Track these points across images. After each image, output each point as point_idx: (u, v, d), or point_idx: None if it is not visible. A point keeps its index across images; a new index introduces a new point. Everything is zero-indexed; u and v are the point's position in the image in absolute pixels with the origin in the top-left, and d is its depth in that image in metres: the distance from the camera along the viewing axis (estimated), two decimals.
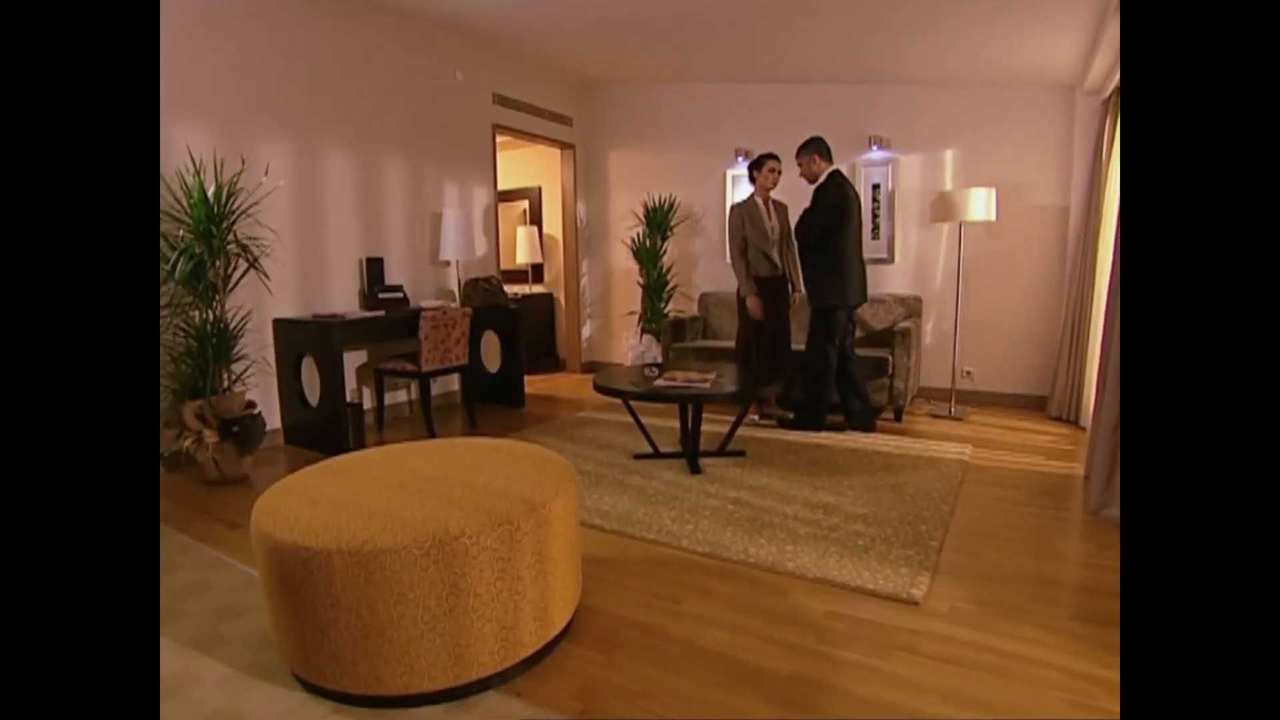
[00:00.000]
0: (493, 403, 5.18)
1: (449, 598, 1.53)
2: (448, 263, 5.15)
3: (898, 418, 4.65)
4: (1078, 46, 3.96)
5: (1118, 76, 3.96)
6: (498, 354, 5.33)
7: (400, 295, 4.60)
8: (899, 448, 3.94)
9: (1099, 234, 4.23)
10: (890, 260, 5.41)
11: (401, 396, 4.88)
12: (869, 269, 5.51)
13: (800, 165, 4.26)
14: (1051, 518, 2.92)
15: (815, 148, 4.19)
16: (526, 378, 5.40)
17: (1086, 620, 2.04)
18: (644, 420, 3.76)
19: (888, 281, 5.43)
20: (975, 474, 3.47)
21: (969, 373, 5.09)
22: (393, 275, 4.74)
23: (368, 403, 4.56)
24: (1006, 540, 2.66)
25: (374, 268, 4.54)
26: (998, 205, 4.71)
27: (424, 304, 4.59)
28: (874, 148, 5.31)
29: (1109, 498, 2.89)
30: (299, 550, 1.50)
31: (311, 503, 1.67)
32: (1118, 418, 2.87)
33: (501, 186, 5.91)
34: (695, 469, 3.43)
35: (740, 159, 5.77)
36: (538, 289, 7.15)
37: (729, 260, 4.65)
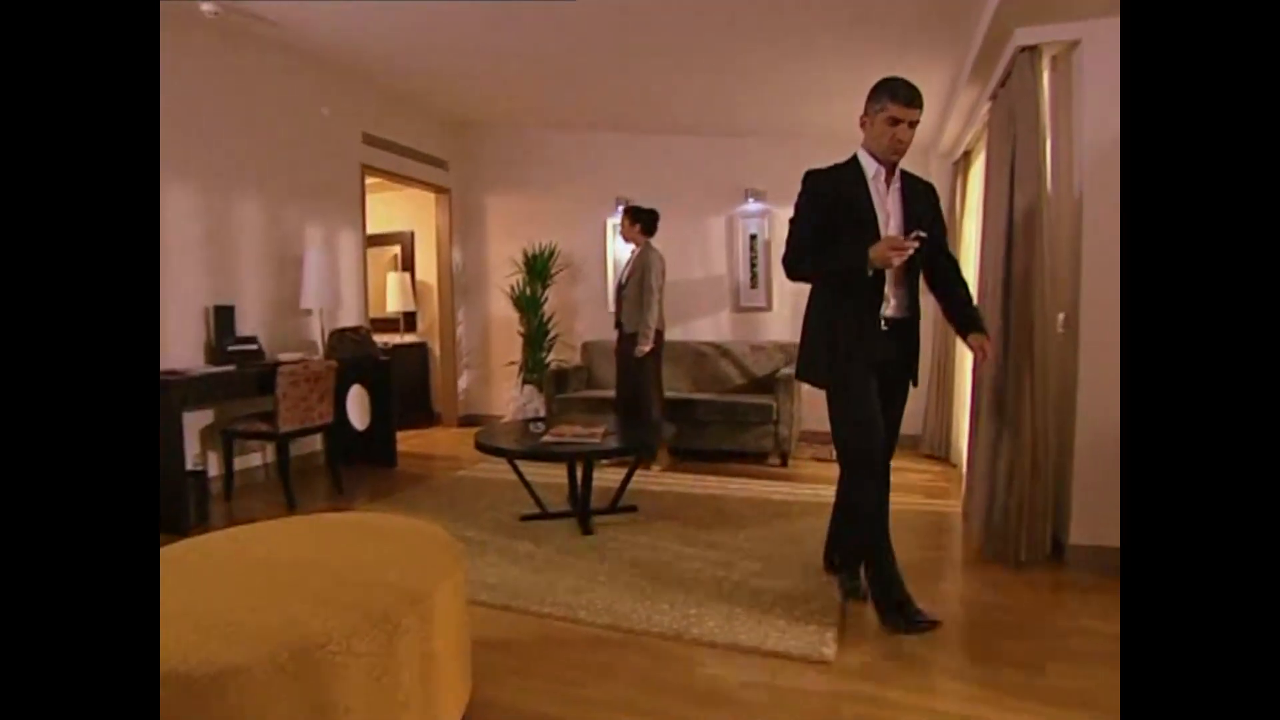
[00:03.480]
0: (362, 463, 4.75)
1: None
2: (309, 311, 4.73)
3: (784, 462, 4.69)
4: (931, 115, 4.27)
5: (966, 141, 4.31)
6: (367, 409, 4.91)
7: (254, 347, 4.14)
8: (790, 493, 3.95)
9: None
10: (768, 308, 5.55)
11: (255, 460, 4.36)
12: (749, 317, 5.65)
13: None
14: (939, 558, 2.98)
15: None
16: (399, 434, 5.00)
17: (990, 663, 2.03)
18: (530, 476, 3.53)
19: (766, 329, 5.55)
20: None
21: None
22: (245, 325, 4.26)
23: (213, 469, 4.03)
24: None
25: (223, 317, 4.07)
26: None
27: (281, 357, 4.16)
28: (750, 200, 5.47)
29: (989, 536, 2.98)
30: None
31: None
32: (991, 458, 2.99)
33: (371, 230, 5.55)
34: (587, 529, 3.24)
35: (620, 207, 5.77)
36: (410, 338, 6.74)
37: None
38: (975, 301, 2.58)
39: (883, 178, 2.33)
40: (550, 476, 3.92)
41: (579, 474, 3.37)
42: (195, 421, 3.95)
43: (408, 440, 5.59)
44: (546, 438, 3.30)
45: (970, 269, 4.42)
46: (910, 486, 4.08)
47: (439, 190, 6.12)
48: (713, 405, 4.74)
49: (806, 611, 2.39)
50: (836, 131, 4.90)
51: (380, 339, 6.02)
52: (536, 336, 5.78)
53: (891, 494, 2.45)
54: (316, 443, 4.78)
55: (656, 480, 4.24)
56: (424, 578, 1.50)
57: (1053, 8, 2.64)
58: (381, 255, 6.83)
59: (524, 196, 6.22)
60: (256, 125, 4.34)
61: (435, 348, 6.60)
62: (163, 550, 1.70)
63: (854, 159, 2.40)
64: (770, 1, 3.27)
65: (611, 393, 4.79)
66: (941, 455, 4.72)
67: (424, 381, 6.65)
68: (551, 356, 5.85)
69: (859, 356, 2.30)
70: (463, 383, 6.48)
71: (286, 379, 3.69)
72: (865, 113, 2.33)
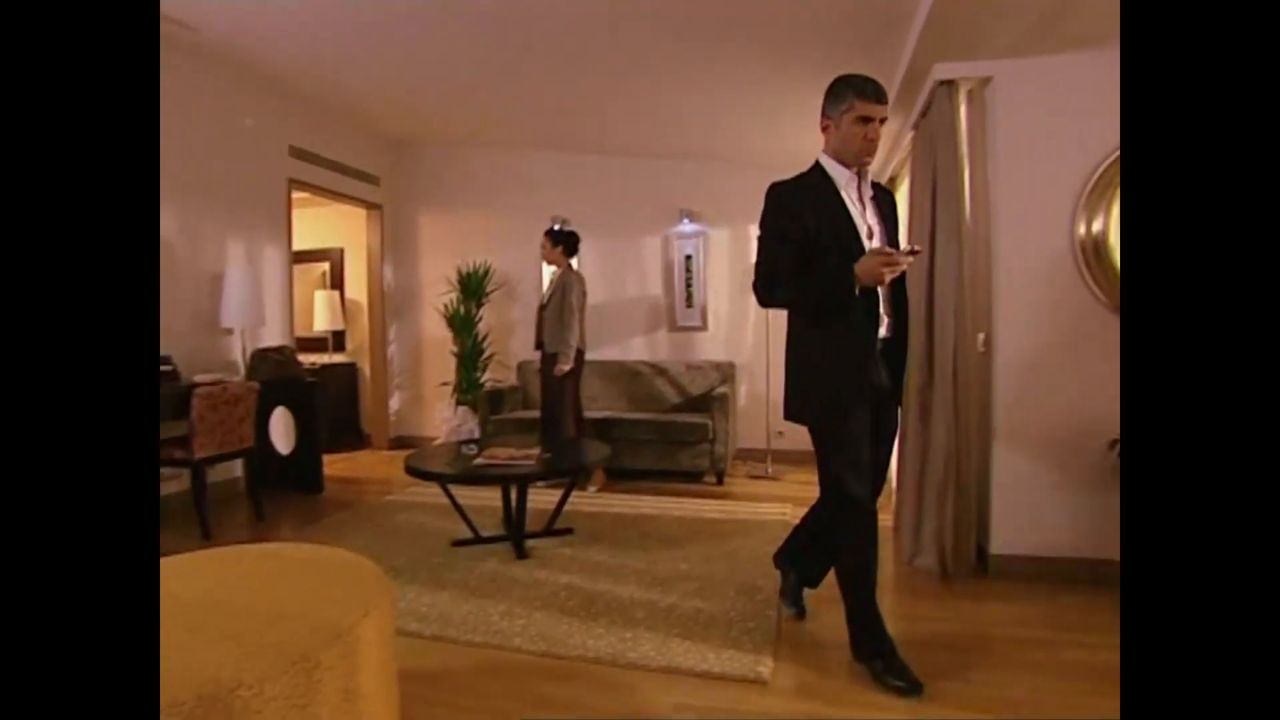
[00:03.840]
0: (286, 489, 4.54)
1: None
2: (230, 330, 4.52)
3: (719, 481, 4.73)
4: None
5: (891, 168, 4.49)
6: (291, 433, 4.71)
7: (168, 368, 3.92)
8: (725, 512, 3.97)
9: None
10: (704, 328, 5.62)
11: (171, 487, 4.11)
12: (684, 337, 5.70)
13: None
14: None
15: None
16: (326, 458, 4.81)
17: (925, 675, 2.05)
18: (463, 500, 3.44)
19: (702, 348, 5.61)
20: None
21: (780, 433, 5.32)
22: (159, 344, 4.04)
23: None
24: (834, 600, 2.68)
25: None
26: None
27: (198, 378, 3.95)
28: (685, 220, 5.55)
29: (919, 548, 3.07)
30: None
31: None
32: (919, 473, 3.09)
33: (298, 246, 5.35)
34: (522, 553, 3.18)
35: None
36: (339, 358, 6.53)
37: None
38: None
39: (855, 186, 2.11)
40: (484, 500, 3.84)
41: (513, 497, 3.31)
42: None
43: (335, 464, 5.40)
44: (479, 460, 3.24)
45: None
46: None
47: (370, 206, 5.98)
48: (649, 424, 4.75)
49: (743, 631, 2.39)
50: (761, 156, 5.04)
51: (307, 359, 5.82)
52: (471, 356, 5.68)
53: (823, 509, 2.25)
54: (236, 468, 4.55)
55: (592, 501, 4.20)
56: (347, 611, 1.44)
57: (967, 46, 2.79)
58: (309, 272, 6.61)
59: (458, 214, 6.14)
60: (174, 134, 4.14)
61: (365, 368, 6.41)
62: None
63: (818, 167, 2.15)
64: (699, 31, 3.34)
65: None
66: None
67: (353, 403, 6.45)
68: (486, 376, 5.76)
69: (857, 390, 2.05)
70: (394, 404, 6.31)
71: (203, 401, 3.51)
72: (826, 115, 2.11)
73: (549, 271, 4.70)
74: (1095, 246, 2.81)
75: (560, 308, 4.36)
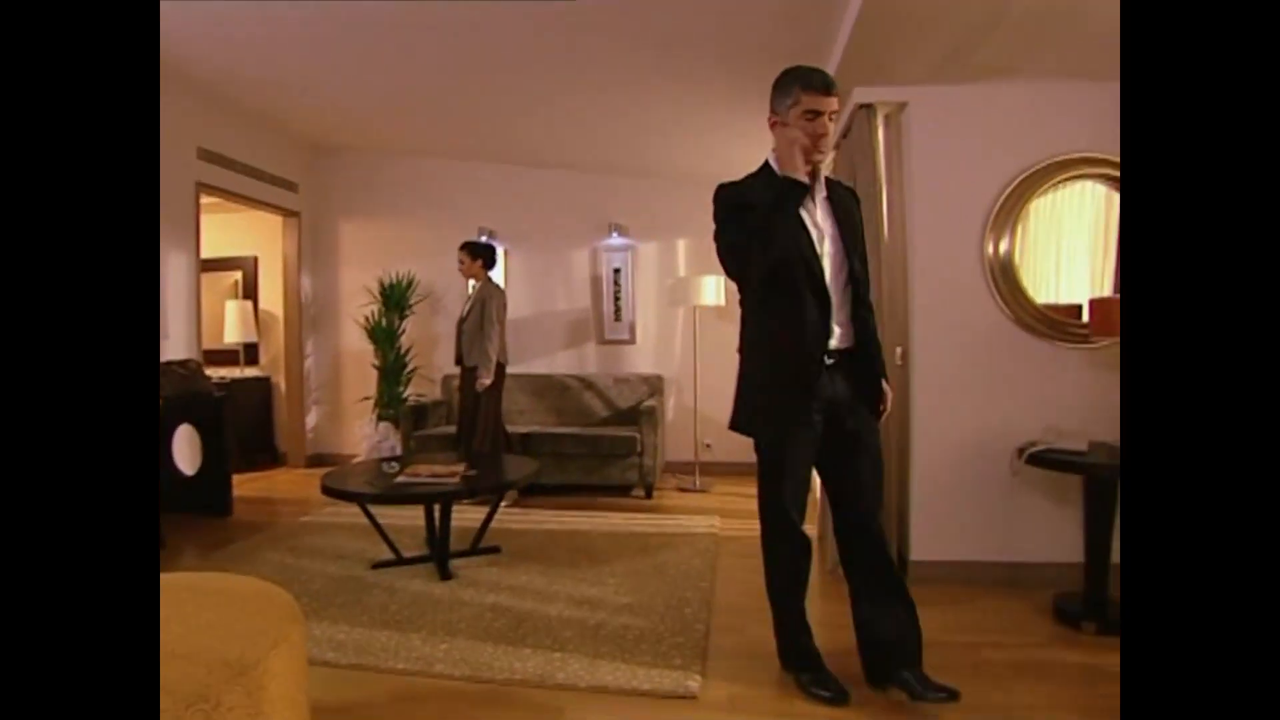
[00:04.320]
0: (190, 512, 4.26)
1: None
2: None
3: (648, 494, 4.72)
4: None
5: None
6: (197, 452, 4.43)
7: None
8: (654, 526, 3.96)
9: None
10: (632, 341, 5.63)
11: None
12: (613, 350, 5.68)
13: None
14: None
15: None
16: (237, 478, 4.55)
17: (850, 683, 2.07)
18: (384, 520, 3.31)
19: (630, 361, 5.62)
20: (727, 545, 3.58)
21: (709, 445, 5.37)
22: None
23: None
24: (763, 611, 2.70)
25: None
26: (726, 291, 5.14)
27: None
28: (614, 234, 5.55)
29: None
30: None
31: None
32: None
33: (207, 254, 5.06)
34: (446, 574, 3.08)
35: (484, 238, 5.67)
36: (251, 372, 6.21)
37: None
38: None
39: None
40: (407, 518, 3.71)
41: (437, 516, 3.21)
42: None
43: (247, 484, 5.11)
44: (401, 478, 3.12)
45: None
46: None
47: (287, 214, 5.72)
48: (577, 438, 4.70)
49: (671, 646, 2.38)
50: (688, 170, 5.12)
51: (216, 373, 5.51)
52: (393, 370, 5.50)
53: (752, 522, 2.26)
54: None
55: (520, 518, 4.12)
56: (252, 645, 1.34)
57: (883, 72, 2.91)
58: (219, 281, 6.26)
59: (382, 223, 5.96)
60: None
61: (281, 382, 6.11)
62: None
63: (767, 168, 2.06)
64: (624, 45, 3.36)
65: None
66: None
67: (267, 419, 6.13)
68: (409, 391, 5.59)
69: (803, 404, 1.98)
70: (311, 420, 6.03)
71: None
72: (773, 112, 2.01)
73: (473, 283, 4.61)
74: (1003, 265, 2.96)
75: (480, 321, 4.32)
